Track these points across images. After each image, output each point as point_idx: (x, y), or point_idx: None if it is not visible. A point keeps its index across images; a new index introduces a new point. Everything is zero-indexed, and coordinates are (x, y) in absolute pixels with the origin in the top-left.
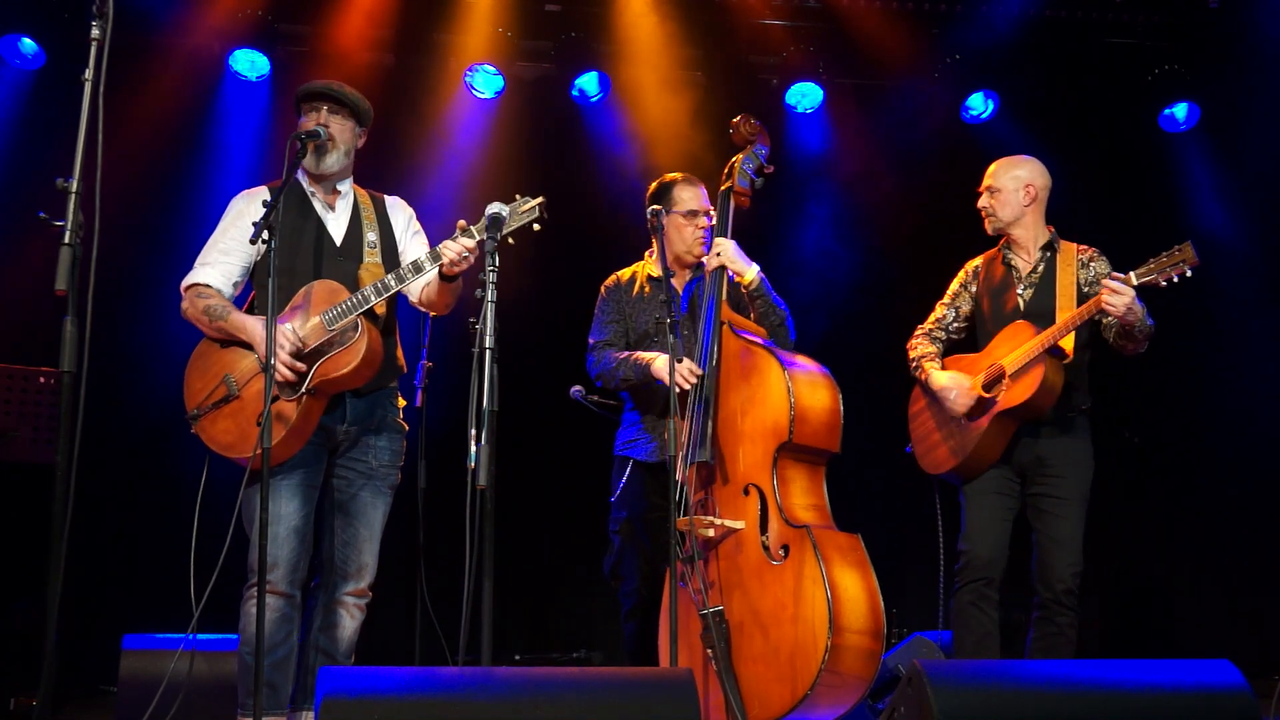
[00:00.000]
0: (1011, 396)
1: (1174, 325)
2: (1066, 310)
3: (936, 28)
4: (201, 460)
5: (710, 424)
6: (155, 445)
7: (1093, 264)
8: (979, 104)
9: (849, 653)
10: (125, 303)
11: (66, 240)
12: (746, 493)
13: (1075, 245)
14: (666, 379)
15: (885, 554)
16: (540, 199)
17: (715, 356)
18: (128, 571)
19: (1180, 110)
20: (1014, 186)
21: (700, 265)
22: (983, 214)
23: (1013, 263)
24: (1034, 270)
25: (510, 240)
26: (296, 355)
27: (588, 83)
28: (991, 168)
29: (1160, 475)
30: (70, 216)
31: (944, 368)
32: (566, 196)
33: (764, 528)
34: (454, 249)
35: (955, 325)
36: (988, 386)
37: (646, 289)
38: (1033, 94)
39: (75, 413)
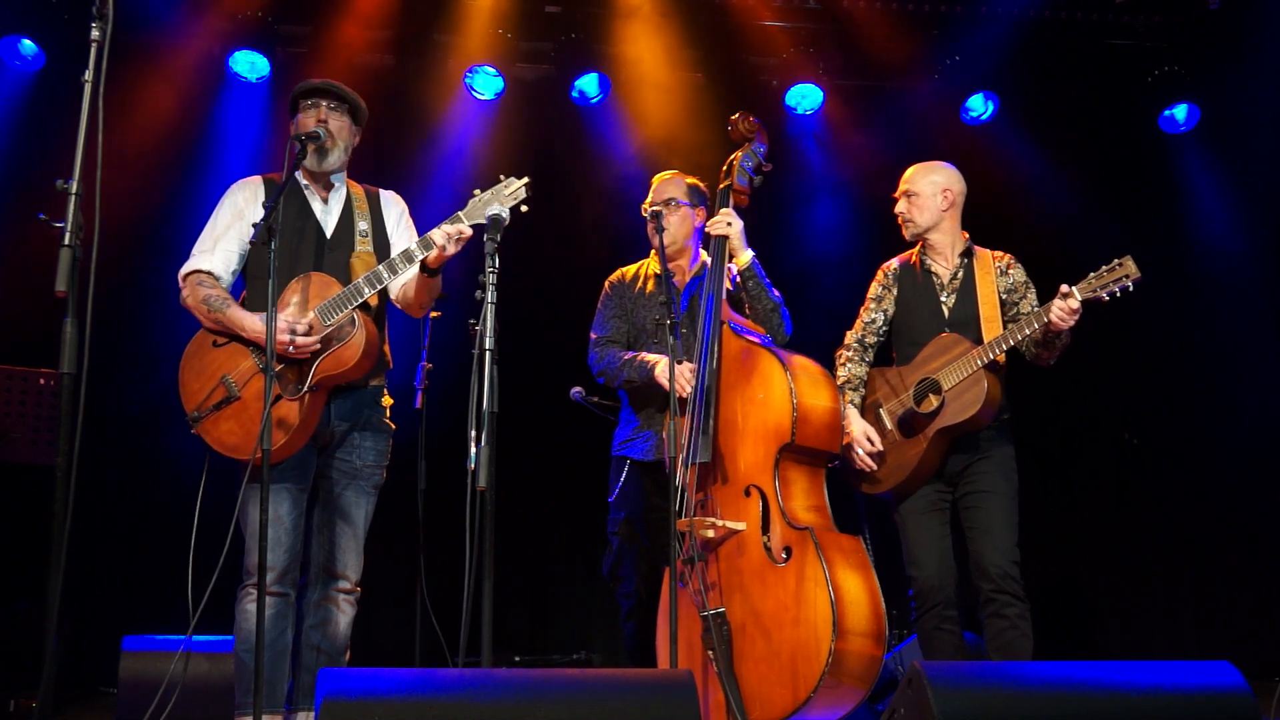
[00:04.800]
0: (954, 414)
1: (1173, 328)
2: (991, 319)
3: (936, 29)
4: (200, 461)
5: (711, 424)
6: (154, 447)
7: (1011, 272)
8: (979, 105)
9: (851, 656)
10: (125, 304)
11: (66, 242)
12: (748, 494)
13: (990, 252)
14: (669, 384)
15: (884, 555)
16: (526, 179)
17: (715, 356)
18: (127, 573)
19: (1180, 111)
20: (931, 191)
21: (700, 263)
22: (899, 219)
23: (932, 269)
24: (954, 276)
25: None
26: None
27: (588, 84)
28: (908, 173)
29: (1161, 475)
30: (70, 218)
31: (867, 391)
32: (566, 198)
33: (766, 529)
34: (444, 234)
35: (883, 329)
36: (918, 399)
37: (649, 286)
38: (1033, 95)
39: (75, 414)
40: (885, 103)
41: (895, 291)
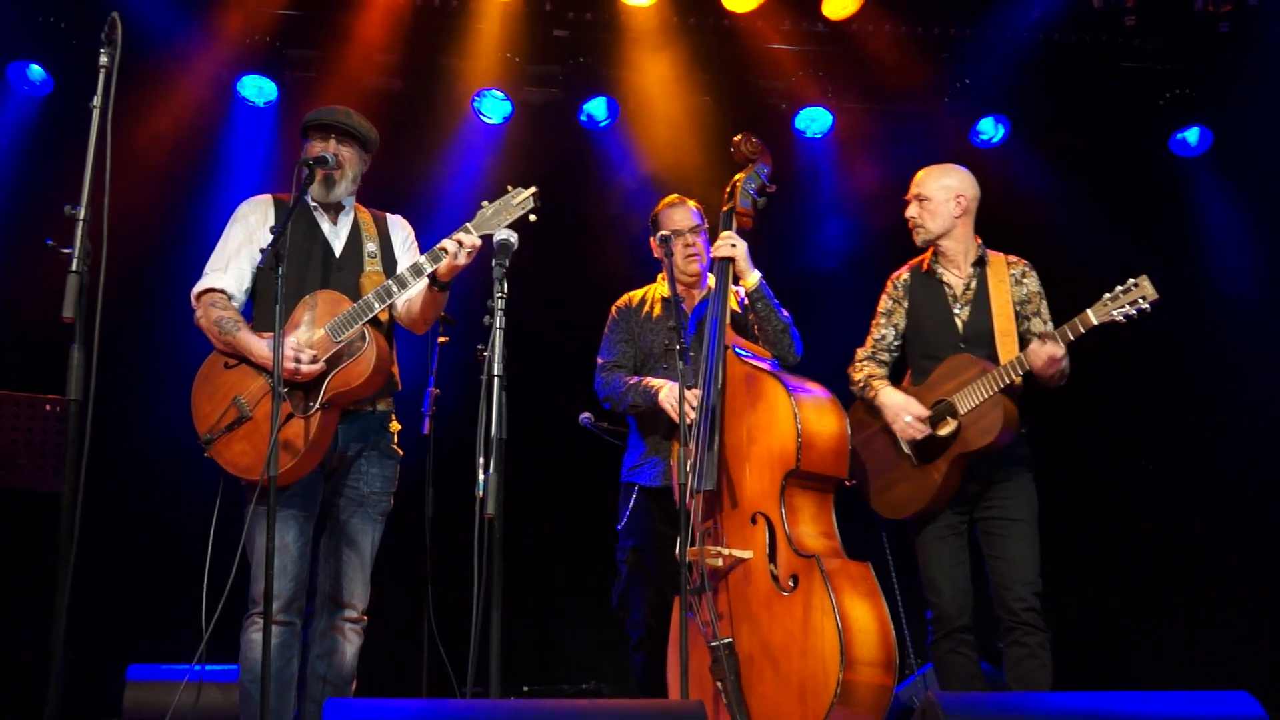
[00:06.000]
0: (973, 439)
1: (1186, 352)
2: (1007, 333)
3: (946, 52)
4: (207, 488)
5: (716, 451)
6: (161, 474)
7: (1026, 281)
8: (989, 129)
9: (861, 687)
10: (132, 330)
11: (74, 268)
12: (754, 521)
13: (1004, 256)
14: (670, 411)
15: (889, 586)
16: (533, 189)
17: (720, 381)
18: (133, 601)
19: (1192, 134)
20: (944, 196)
21: (707, 287)
22: (910, 224)
23: (944, 278)
24: (967, 287)
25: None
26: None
27: (596, 108)
28: (919, 175)
29: (1177, 500)
30: (78, 244)
31: (879, 415)
32: (575, 222)
33: (772, 557)
34: (456, 239)
35: (896, 344)
36: (933, 423)
37: (656, 310)
38: (1043, 118)
39: (82, 441)
40: (895, 126)
41: (905, 304)
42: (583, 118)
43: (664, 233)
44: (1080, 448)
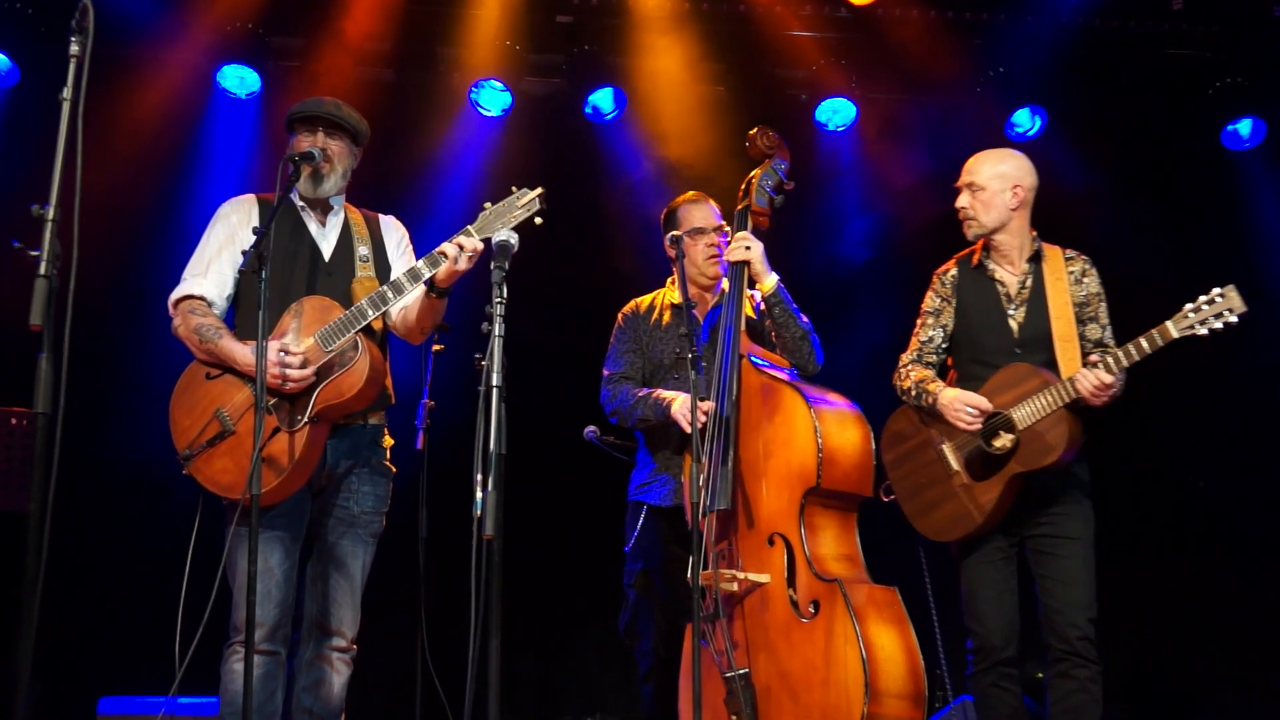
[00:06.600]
0: (1033, 457)
1: (1237, 358)
2: (1066, 338)
3: (979, 38)
4: (186, 508)
5: (730, 467)
6: (136, 492)
7: (1085, 280)
8: (1025, 120)
9: None
10: (105, 339)
11: (42, 271)
12: (771, 543)
13: (1060, 250)
14: (684, 424)
15: (925, 608)
16: (539, 190)
17: (735, 392)
18: (104, 628)
19: (1244, 126)
20: (999, 186)
21: (721, 291)
22: (960, 216)
23: (997, 275)
24: (1022, 286)
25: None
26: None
27: (602, 99)
28: (971, 162)
29: (1231, 521)
30: (46, 246)
31: (928, 423)
32: (579, 222)
33: (791, 581)
34: (455, 247)
35: (943, 347)
36: (987, 437)
37: (666, 317)
38: (1083, 110)
39: (50, 457)
40: (924, 118)
41: (955, 303)
42: (588, 110)
43: (676, 232)
44: (1127, 463)
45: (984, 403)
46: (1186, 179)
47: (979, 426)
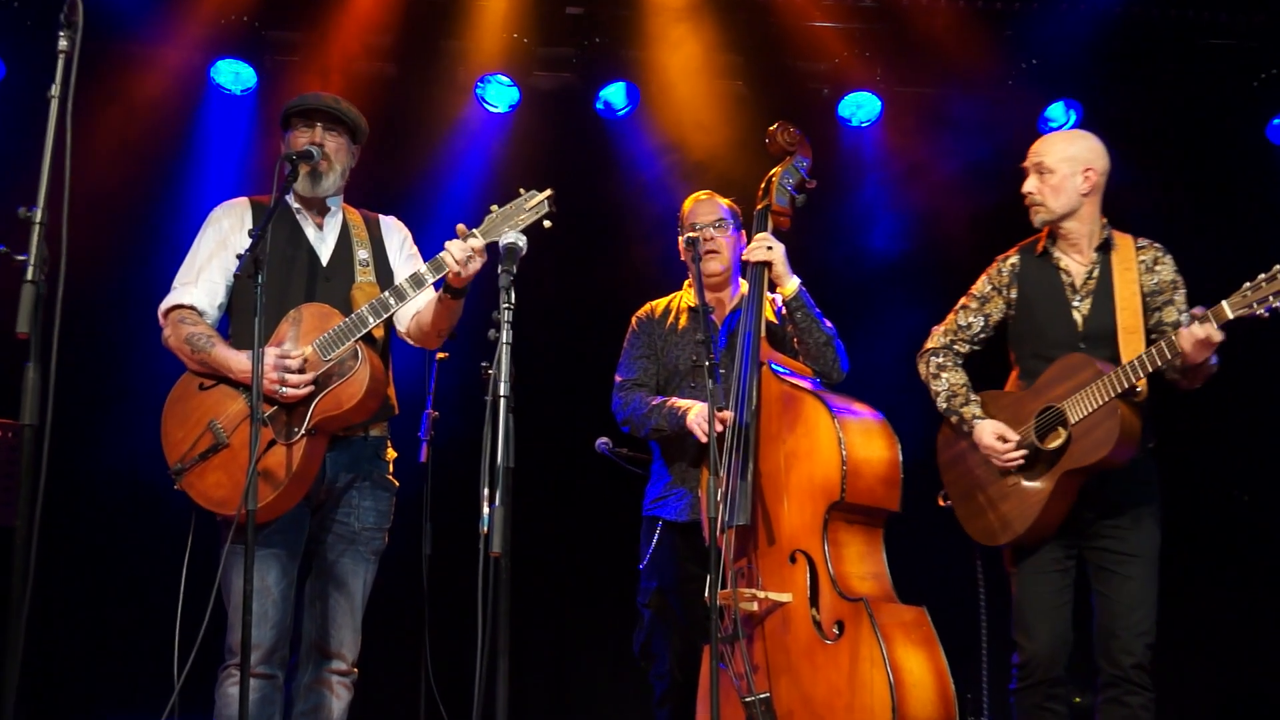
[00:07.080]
0: (1083, 454)
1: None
2: (1131, 330)
3: (1010, 29)
4: (179, 524)
5: (749, 481)
6: (127, 508)
7: (1158, 269)
8: (1059, 114)
9: None
10: (95, 348)
11: (29, 277)
12: (793, 560)
13: (1132, 239)
14: (700, 434)
15: (957, 629)
16: (549, 191)
17: (754, 402)
18: (95, 650)
19: None
20: (1070, 170)
21: (740, 294)
22: (1027, 201)
23: (1062, 264)
24: (1089, 276)
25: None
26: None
27: (613, 94)
28: (1038, 143)
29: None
30: (34, 250)
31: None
32: (590, 223)
33: (814, 601)
34: (459, 249)
35: (980, 337)
36: (1041, 434)
37: (682, 321)
38: (1121, 102)
39: (38, 470)
40: (952, 112)
41: (1012, 294)
42: (599, 106)
43: (690, 234)
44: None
45: (1009, 432)
46: (1230, 175)
47: (1019, 460)
